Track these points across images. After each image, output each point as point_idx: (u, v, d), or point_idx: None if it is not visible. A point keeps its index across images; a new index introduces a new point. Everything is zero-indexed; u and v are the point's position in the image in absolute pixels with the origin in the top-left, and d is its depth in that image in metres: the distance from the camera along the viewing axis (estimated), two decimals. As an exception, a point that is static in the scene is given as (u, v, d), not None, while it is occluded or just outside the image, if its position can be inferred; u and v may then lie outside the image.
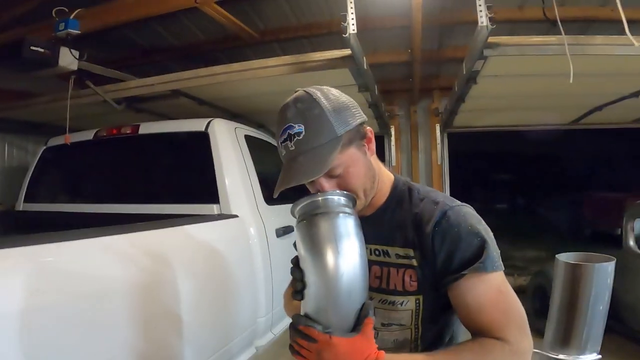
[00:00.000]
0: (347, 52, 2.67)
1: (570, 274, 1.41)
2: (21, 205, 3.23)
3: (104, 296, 1.53)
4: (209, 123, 2.64)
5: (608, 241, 4.79)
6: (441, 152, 5.02)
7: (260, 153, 2.94)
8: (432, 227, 0.96)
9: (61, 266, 1.42)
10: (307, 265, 0.88)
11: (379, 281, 1.04)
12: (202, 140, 2.59)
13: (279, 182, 0.96)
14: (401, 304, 1.01)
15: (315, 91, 0.96)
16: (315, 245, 0.86)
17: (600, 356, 1.46)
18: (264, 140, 3.30)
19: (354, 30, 2.43)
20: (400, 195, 1.08)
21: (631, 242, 3.82)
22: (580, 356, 1.44)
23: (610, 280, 1.41)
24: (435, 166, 5.04)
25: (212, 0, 2.90)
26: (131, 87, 3.41)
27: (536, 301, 4.30)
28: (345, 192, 0.93)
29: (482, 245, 0.94)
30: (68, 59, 2.93)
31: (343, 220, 0.88)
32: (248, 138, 2.88)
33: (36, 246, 1.37)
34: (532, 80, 3.23)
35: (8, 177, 4.78)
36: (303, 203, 0.90)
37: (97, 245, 1.58)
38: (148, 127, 2.88)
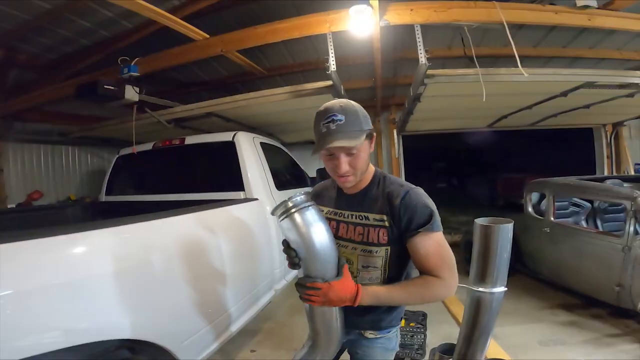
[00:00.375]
0: (329, 83, 2.77)
1: (483, 232, 1.45)
2: (103, 197, 3.27)
3: (169, 259, 1.60)
4: (234, 135, 2.71)
5: (514, 208, 4.95)
6: (398, 149, 5.17)
7: (271, 154, 3.00)
8: (400, 201, 1.05)
9: (135, 240, 1.49)
10: (297, 245, 0.99)
11: (362, 236, 1.10)
12: (230, 147, 2.66)
13: (318, 145, 1.02)
14: (376, 252, 1.08)
15: (352, 101, 1.09)
16: (299, 232, 0.97)
17: (506, 288, 1.49)
18: (273, 145, 3.35)
19: (334, 69, 2.55)
20: (377, 181, 1.14)
21: (530, 209, 3.90)
22: (493, 289, 1.44)
23: (510, 236, 1.42)
24: (394, 159, 5.20)
25: (234, 49, 2.92)
26: (177, 111, 3.47)
27: (467, 252, 4.24)
28: (302, 193, 1.01)
29: (431, 214, 1.04)
30: (131, 93, 2.99)
31: (309, 211, 0.98)
32: (262, 144, 2.94)
33: (118, 227, 1.44)
34: (459, 99, 3.33)
35: (90, 178, 4.82)
36: (280, 206, 0.98)
37: (161, 223, 1.65)
38: (191, 139, 2.94)
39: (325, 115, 1.01)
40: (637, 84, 2.86)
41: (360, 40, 2.97)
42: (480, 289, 1.45)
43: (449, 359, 1.87)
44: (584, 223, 3.63)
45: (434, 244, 1.04)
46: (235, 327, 2.11)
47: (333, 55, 2.57)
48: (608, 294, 2.86)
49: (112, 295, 1.30)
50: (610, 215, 3.58)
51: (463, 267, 4.26)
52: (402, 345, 2.65)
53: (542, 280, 3.78)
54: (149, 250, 1.53)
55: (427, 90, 2.91)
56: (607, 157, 5.15)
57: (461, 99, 3.32)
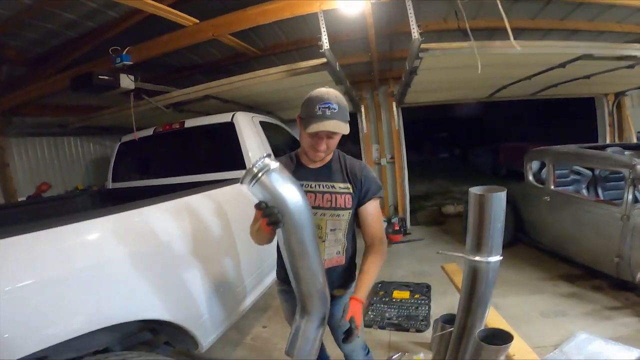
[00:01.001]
0: (324, 60, 2.72)
1: (477, 201, 1.45)
2: (110, 185, 3.31)
3: (182, 239, 1.65)
4: (233, 115, 2.71)
5: (517, 177, 4.95)
6: (397, 121, 5.12)
7: (270, 132, 3.01)
8: (361, 173, 1.29)
9: (149, 223, 1.53)
10: (278, 202, 1.03)
11: (330, 203, 1.28)
12: (230, 127, 2.67)
13: (314, 125, 1.15)
14: (342, 215, 1.28)
15: (341, 94, 1.25)
16: (272, 191, 1.02)
17: (501, 257, 1.51)
18: (272, 123, 3.35)
19: (327, 46, 2.51)
20: (339, 157, 1.35)
21: (530, 177, 3.88)
22: (489, 258, 1.46)
23: (503, 205, 1.43)
24: (394, 131, 5.14)
25: (225, 33, 2.86)
26: (174, 96, 3.44)
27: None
28: (265, 155, 1.06)
29: (380, 186, 1.32)
30: (127, 82, 2.96)
31: (275, 172, 1.02)
32: (262, 123, 2.95)
33: (124, 212, 1.47)
34: (456, 71, 3.27)
35: (95, 167, 4.86)
36: (247, 174, 1.01)
37: (173, 204, 1.71)
38: (191, 122, 2.95)
39: (322, 101, 1.16)
40: (635, 56, 2.79)
41: (352, 16, 2.89)
42: (477, 258, 1.50)
43: (451, 328, 1.92)
44: (584, 191, 3.60)
45: (378, 209, 1.34)
46: (247, 302, 2.18)
47: (325, 33, 2.52)
48: (607, 265, 2.86)
49: (131, 277, 1.35)
50: (611, 183, 3.54)
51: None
52: (408, 317, 2.76)
53: (543, 251, 3.79)
54: (162, 232, 1.57)
55: (422, 64, 2.85)
56: (610, 125, 5.06)
57: (458, 71, 3.26)
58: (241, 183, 1.03)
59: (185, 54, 4.08)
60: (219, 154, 2.91)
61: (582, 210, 3.15)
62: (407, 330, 2.59)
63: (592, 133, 5.31)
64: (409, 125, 5.46)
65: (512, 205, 4.01)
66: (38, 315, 1.03)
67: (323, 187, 1.28)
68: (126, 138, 3.27)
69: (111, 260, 1.29)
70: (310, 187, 1.27)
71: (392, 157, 5.22)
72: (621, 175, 3.40)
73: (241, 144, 2.61)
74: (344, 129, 1.19)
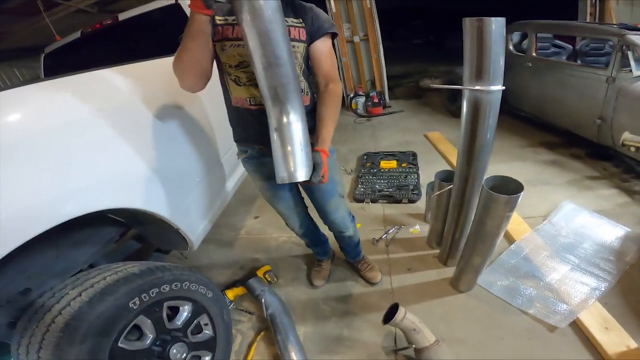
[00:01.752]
0: None
1: (475, 27, 1.29)
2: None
3: (140, 105, 1.39)
4: None
5: None
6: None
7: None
8: (311, 10, 1.21)
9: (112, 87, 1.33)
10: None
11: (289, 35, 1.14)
12: (176, 10, 2.21)
13: None
14: (297, 47, 1.18)
15: None
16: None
17: (503, 87, 1.38)
18: None
19: None
20: None
21: (511, 47, 3.78)
22: (490, 86, 1.33)
23: (503, 32, 1.31)
24: (366, 9, 4.72)
25: None
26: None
27: (449, 91, 4.42)
28: None
29: (332, 23, 1.24)
30: None
31: None
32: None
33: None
34: None
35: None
36: None
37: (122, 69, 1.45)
38: (126, 14, 2.42)
39: None
40: None
41: None
42: (477, 87, 1.33)
43: (449, 185, 1.80)
44: (559, 59, 3.53)
45: (331, 48, 1.26)
46: (229, 186, 2.01)
47: None
48: (589, 128, 2.89)
49: (93, 147, 1.12)
50: (592, 58, 3.44)
51: (446, 106, 4.06)
52: (398, 187, 2.71)
53: (524, 119, 3.83)
54: (127, 98, 1.31)
55: None
56: (591, 14, 4.80)
57: None
58: None
59: None
60: (166, 42, 2.45)
61: (565, 74, 3.11)
62: (400, 202, 2.57)
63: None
64: (382, 12, 5.02)
65: None
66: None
67: None
68: (50, 48, 2.69)
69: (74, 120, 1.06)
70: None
71: (366, 35, 4.89)
72: (602, 51, 3.34)
73: None
74: None
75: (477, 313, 1.66)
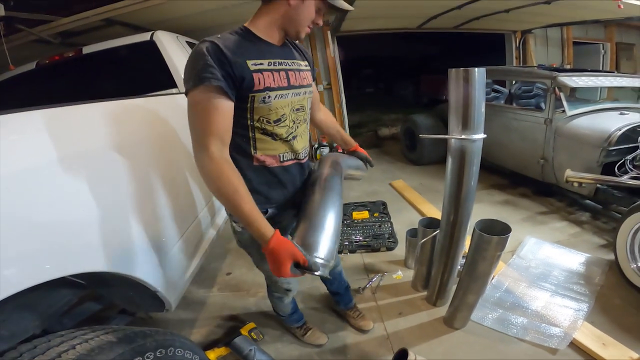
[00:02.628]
0: None
1: (460, 77, 1.37)
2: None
3: (111, 151, 1.18)
4: (152, 34, 2.14)
5: (437, 103, 5.41)
6: (333, 48, 4.97)
7: None
8: (307, 51, 1.21)
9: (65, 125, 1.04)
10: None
11: (306, 80, 1.13)
12: (149, 47, 2.12)
13: (341, 3, 1.05)
14: (307, 92, 1.13)
15: None
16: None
17: (485, 135, 1.45)
18: None
19: None
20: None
21: None
22: (473, 135, 1.42)
23: (484, 81, 1.39)
24: (330, 58, 4.99)
25: None
26: (65, 22, 2.60)
27: (407, 140, 4.64)
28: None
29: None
30: None
31: None
32: (189, 43, 2.42)
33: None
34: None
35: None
36: None
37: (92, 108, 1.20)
38: (91, 48, 2.25)
39: None
40: None
41: None
42: (463, 137, 1.41)
43: (433, 231, 1.86)
44: (503, 104, 3.86)
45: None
46: (208, 237, 1.85)
47: None
48: (533, 168, 3.15)
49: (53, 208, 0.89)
50: (524, 100, 3.89)
51: (405, 154, 4.10)
52: (374, 237, 2.70)
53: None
54: (93, 138, 1.10)
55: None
56: (516, 58, 5.66)
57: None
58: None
59: None
60: (134, 80, 2.31)
61: (508, 118, 3.40)
62: (378, 250, 2.57)
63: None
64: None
65: (443, 121, 4.21)
66: None
67: (296, 65, 1.09)
68: None
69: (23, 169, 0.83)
70: (288, 65, 1.06)
71: (329, 84, 5.09)
72: (532, 93, 3.79)
73: (167, 62, 2.10)
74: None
75: (478, 347, 1.66)
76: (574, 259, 2.26)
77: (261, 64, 0.97)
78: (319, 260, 0.90)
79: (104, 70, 2.33)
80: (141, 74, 2.28)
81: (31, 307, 1.00)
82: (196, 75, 0.87)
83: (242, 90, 0.93)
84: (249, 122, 1.00)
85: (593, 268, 2.15)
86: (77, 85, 2.36)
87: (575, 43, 6.06)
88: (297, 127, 1.11)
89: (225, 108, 0.91)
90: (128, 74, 2.31)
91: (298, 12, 0.99)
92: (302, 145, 1.15)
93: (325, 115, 1.45)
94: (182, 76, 2.01)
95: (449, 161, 1.56)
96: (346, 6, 1.06)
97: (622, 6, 2.88)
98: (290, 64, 1.06)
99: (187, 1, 2.49)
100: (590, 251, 2.33)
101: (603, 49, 6.35)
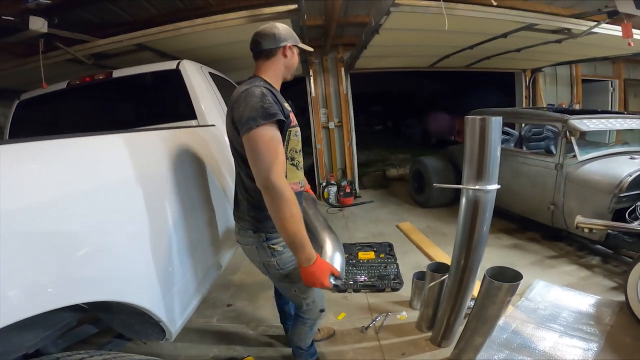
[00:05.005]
0: (294, 6, 2.40)
1: (477, 126, 1.37)
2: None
3: (127, 186, 1.16)
4: (179, 62, 2.18)
5: (445, 144, 5.35)
6: (346, 85, 5.02)
7: (222, 87, 2.52)
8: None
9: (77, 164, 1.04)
10: None
11: (295, 122, 1.25)
12: (174, 76, 2.14)
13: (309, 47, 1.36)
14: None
15: None
16: None
17: (499, 186, 1.47)
18: (224, 78, 2.86)
19: None
20: None
21: None
22: (487, 186, 1.42)
23: (500, 131, 1.39)
24: (342, 95, 5.02)
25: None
26: (100, 44, 2.70)
27: (415, 182, 4.55)
28: None
29: None
30: (38, 24, 2.23)
31: None
32: (212, 74, 2.47)
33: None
34: (413, 34, 3.19)
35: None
36: None
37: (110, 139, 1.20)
38: (121, 72, 2.27)
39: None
40: (569, 29, 3.04)
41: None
42: (477, 187, 1.41)
43: (443, 276, 1.83)
44: (513, 147, 3.82)
45: None
46: (224, 261, 1.83)
47: None
48: (543, 214, 3.06)
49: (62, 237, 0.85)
50: (534, 143, 3.87)
51: (413, 196, 3.83)
52: (380, 277, 2.64)
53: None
54: (105, 168, 1.08)
55: (387, 22, 2.71)
56: (526, 97, 5.65)
57: (416, 34, 3.20)
58: None
59: (109, 6, 3.26)
60: (158, 107, 2.37)
61: (518, 163, 3.32)
62: (383, 291, 2.49)
63: (509, 106, 5.80)
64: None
65: (453, 164, 4.19)
66: None
67: (292, 107, 1.29)
68: (26, 96, 2.43)
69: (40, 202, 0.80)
70: (291, 108, 1.27)
71: (340, 121, 5.10)
72: (542, 135, 3.76)
73: (190, 93, 2.11)
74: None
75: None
76: (583, 301, 2.21)
77: (287, 106, 1.19)
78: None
79: (130, 94, 2.38)
80: (164, 102, 2.33)
81: (32, 327, 0.99)
82: (264, 112, 1.04)
83: (284, 126, 1.13)
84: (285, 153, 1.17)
85: (603, 309, 2.10)
86: (104, 108, 2.43)
87: (584, 80, 6.03)
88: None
89: (281, 142, 1.10)
90: (152, 101, 2.38)
91: (292, 61, 1.26)
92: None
93: None
94: (203, 107, 2.12)
95: (462, 209, 1.56)
96: (308, 48, 1.33)
97: (632, 44, 2.89)
98: (292, 106, 1.30)
99: (210, 33, 2.62)
100: (601, 293, 2.27)
101: (612, 86, 6.30)
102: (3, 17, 2.08)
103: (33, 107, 2.42)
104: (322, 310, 1.40)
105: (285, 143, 1.16)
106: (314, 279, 1.08)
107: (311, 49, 1.35)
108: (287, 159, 1.17)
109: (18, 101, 2.43)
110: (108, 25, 3.63)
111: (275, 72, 1.25)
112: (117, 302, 1.03)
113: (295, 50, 1.27)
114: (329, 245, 1.23)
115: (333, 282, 1.09)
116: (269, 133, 1.04)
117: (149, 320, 1.21)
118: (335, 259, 1.19)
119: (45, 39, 2.43)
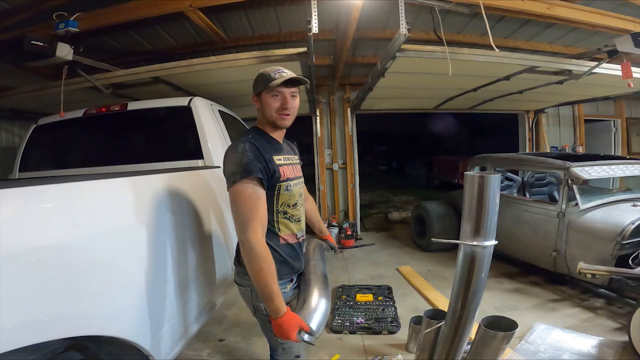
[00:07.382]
0: (304, 49, 2.52)
1: (475, 183, 1.38)
2: (17, 174, 2.52)
3: (126, 228, 1.21)
4: (190, 99, 2.29)
5: (449, 187, 5.29)
6: (351, 127, 5.12)
7: (229, 124, 2.63)
8: (296, 147, 1.41)
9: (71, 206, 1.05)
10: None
11: (300, 172, 1.34)
12: (185, 112, 2.24)
13: (279, 80, 1.13)
14: (302, 182, 1.34)
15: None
16: None
17: (496, 242, 1.45)
18: (232, 115, 2.97)
19: (315, 31, 2.30)
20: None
21: None
22: (485, 242, 1.40)
23: (499, 188, 1.39)
24: (347, 137, 5.12)
25: (205, 4, 2.59)
26: (118, 75, 2.86)
27: (417, 226, 4.54)
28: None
29: None
30: (64, 51, 2.37)
31: None
32: (221, 112, 2.57)
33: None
34: (418, 77, 3.32)
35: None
36: None
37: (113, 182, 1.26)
38: (136, 105, 2.41)
39: (275, 70, 1.17)
40: (570, 70, 3.13)
41: (330, 14, 2.75)
42: (475, 243, 1.41)
43: (439, 323, 1.81)
44: (515, 195, 3.88)
45: None
46: (219, 302, 1.84)
47: (316, 17, 2.28)
48: (545, 259, 3.04)
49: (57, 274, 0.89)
50: (536, 188, 3.89)
51: (414, 240, 3.78)
52: (377, 320, 2.60)
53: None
54: (93, 219, 1.08)
55: (393, 65, 2.83)
56: (529, 139, 5.70)
57: (421, 78, 3.32)
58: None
59: (134, 36, 3.55)
60: (167, 143, 2.44)
61: (520, 210, 3.35)
62: (380, 333, 2.44)
63: (512, 147, 5.86)
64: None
65: (455, 209, 4.21)
66: None
67: (293, 159, 1.31)
68: (44, 120, 2.56)
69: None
70: (289, 160, 1.28)
71: (344, 163, 5.15)
72: (545, 181, 3.78)
73: (199, 131, 2.19)
74: (304, 81, 1.20)
75: None
76: (585, 342, 2.16)
77: (280, 159, 1.21)
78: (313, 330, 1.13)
79: (142, 127, 2.49)
80: (174, 138, 2.42)
81: (19, 351, 0.96)
82: (243, 169, 1.06)
83: (272, 181, 1.15)
84: (274, 207, 1.19)
85: (605, 350, 2.05)
86: (116, 138, 2.53)
87: (586, 120, 6.08)
88: (302, 209, 1.33)
89: (264, 197, 1.11)
90: (162, 136, 2.46)
91: (264, 108, 1.20)
92: (304, 224, 1.37)
93: (310, 205, 1.59)
94: (210, 147, 2.18)
95: (459, 262, 1.56)
96: (277, 82, 1.15)
97: (632, 84, 2.95)
98: (291, 159, 1.30)
99: (222, 71, 2.77)
100: (603, 334, 2.22)
101: (614, 126, 6.36)
102: (32, 41, 2.21)
103: (48, 131, 2.54)
104: (297, 357, 1.40)
105: (275, 198, 1.18)
106: (281, 331, 1.09)
107: (279, 83, 1.16)
108: (279, 212, 1.19)
109: (35, 125, 2.56)
110: (129, 53, 3.90)
111: (261, 120, 1.25)
112: (110, 336, 1.05)
113: (265, 97, 1.17)
114: (314, 299, 1.21)
115: (303, 338, 1.10)
116: (248, 190, 1.07)
117: (137, 353, 1.21)
118: (314, 315, 1.16)
119: (69, 66, 2.57)
